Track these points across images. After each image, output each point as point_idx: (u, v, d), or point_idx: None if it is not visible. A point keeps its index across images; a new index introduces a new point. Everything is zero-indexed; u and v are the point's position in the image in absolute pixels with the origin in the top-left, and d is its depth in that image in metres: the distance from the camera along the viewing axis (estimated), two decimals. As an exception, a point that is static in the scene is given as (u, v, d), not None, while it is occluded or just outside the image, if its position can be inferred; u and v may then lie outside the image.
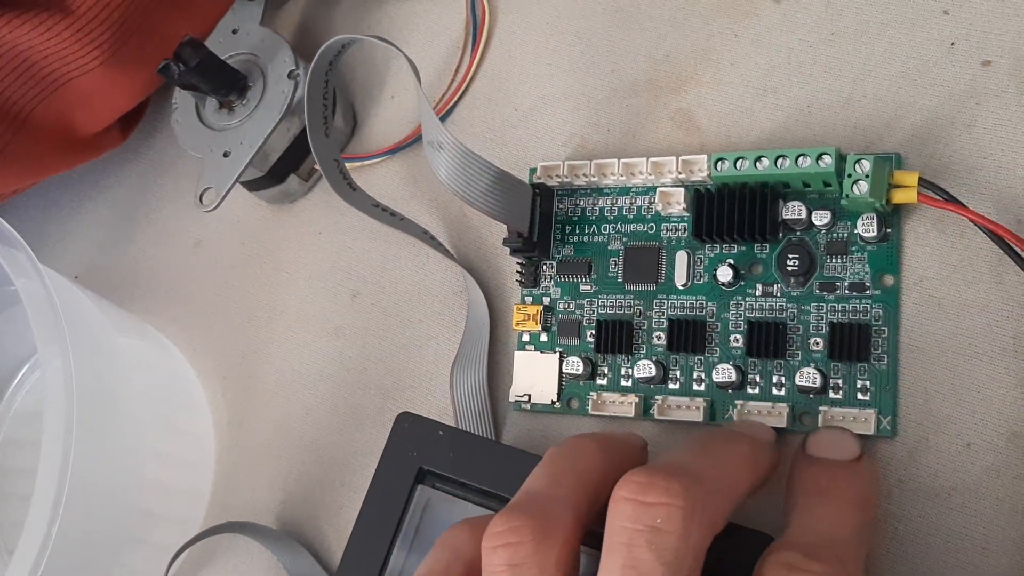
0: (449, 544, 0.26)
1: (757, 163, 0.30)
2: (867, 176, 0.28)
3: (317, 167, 0.38)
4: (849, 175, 0.28)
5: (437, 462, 0.31)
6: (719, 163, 0.30)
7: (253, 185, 0.38)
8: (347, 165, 0.35)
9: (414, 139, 0.37)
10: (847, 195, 0.28)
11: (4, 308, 0.39)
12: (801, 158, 0.29)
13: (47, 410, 0.31)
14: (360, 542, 0.31)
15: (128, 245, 0.42)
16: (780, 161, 0.29)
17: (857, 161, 0.28)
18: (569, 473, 0.26)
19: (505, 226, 0.33)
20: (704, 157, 0.31)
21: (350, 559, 0.31)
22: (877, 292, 0.29)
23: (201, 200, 0.35)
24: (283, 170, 0.37)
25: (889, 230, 0.29)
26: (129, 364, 0.36)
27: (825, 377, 0.29)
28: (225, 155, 0.36)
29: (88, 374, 0.32)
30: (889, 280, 0.29)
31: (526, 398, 0.33)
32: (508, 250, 0.34)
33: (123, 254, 0.42)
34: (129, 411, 0.35)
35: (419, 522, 0.31)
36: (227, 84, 0.36)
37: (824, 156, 0.29)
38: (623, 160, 0.32)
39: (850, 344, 0.29)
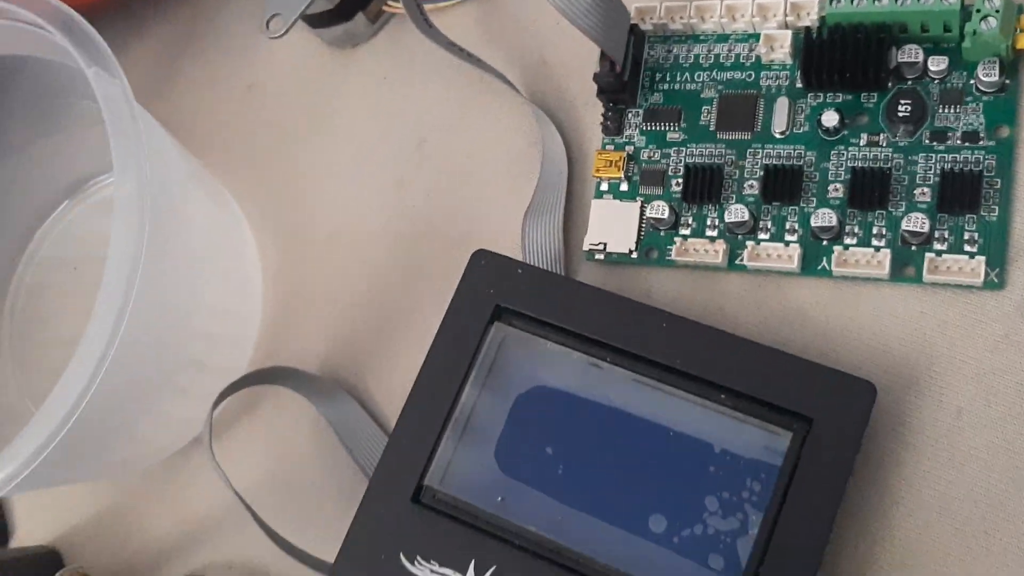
0: None
1: (875, 1, 0.28)
2: (997, 11, 0.27)
3: (387, 7, 0.36)
4: (977, 10, 0.27)
5: (514, 300, 0.29)
6: (834, 0, 0.29)
7: (317, 20, 0.36)
8: (422, 4, 0.33)
9: (493, -17, 0.36)
10: (974, 31, 0.27)
11: (54, 131, 0.37)
12: (924, -4, 0.28)
13: (115, 238, 0.28)
14: (430, 378, 0.29)
15: (175, 85, 0.40)
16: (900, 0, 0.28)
17: (987, -3, 0.27)
18: None
19: (590, 70, 0.32)
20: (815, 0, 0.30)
21: (419, 394, 0.29)
22: (991, 143, 0.28)
23: (268, 26, 0.33)
24: (352, 6, 0.35)
25: (1008, 81, 0.28)
26: (191, 203, 0.34)
27: (932, 225, 0.28)
28: (296, -19, 0.34)
29: (158, 205, 0.30)
30: (1005, 131, 0.28)
31: (601, 247, 0.31)
32: (589, 99, 0.33)
33: (170, 94, 0.40)
34: (186, 253, 0.33)
35: (493, 360, 0.29)
36: (302, -94, 0.34)
37: (949, -6, 0.28)
38: (727, 1, 0.31)
39: (960, 194, 0.28)
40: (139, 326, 0.29)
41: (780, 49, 0.30)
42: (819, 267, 0.29)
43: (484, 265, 0.30)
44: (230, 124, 0.39)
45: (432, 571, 0.27)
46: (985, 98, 0.28)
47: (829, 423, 0.26)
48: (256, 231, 0.37)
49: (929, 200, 0.28)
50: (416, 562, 0.27)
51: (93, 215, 0.39)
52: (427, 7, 0.36)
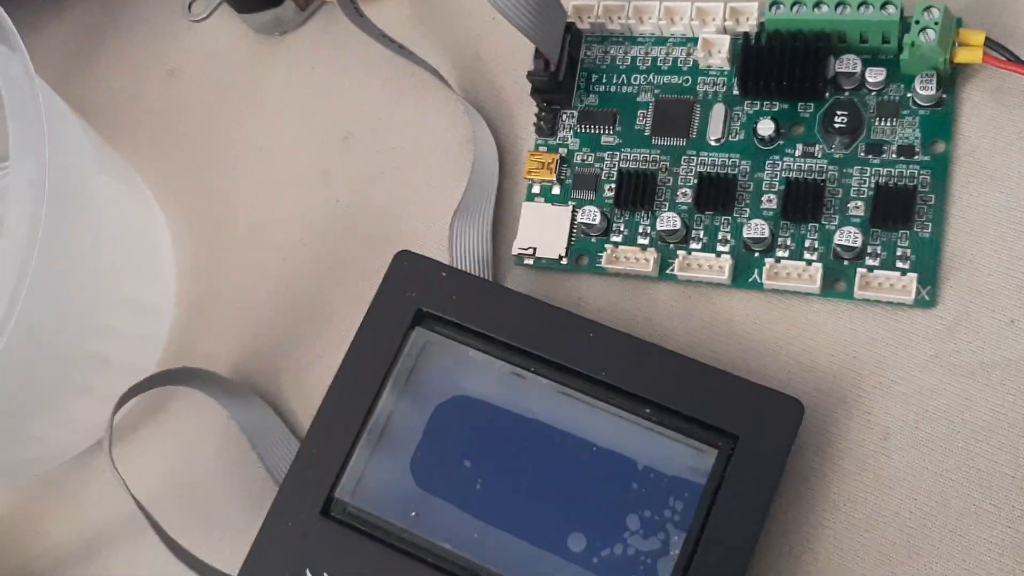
0: None
1: (816, 8, 0.28)
2: (936, 23, 0.26)
3: (318, -6, 0.35)
4: (917, 22, 0.26)
5: (438, 304, 0.28)
6: (774, 7, 0.28)
7: (244, 5, 0.34)
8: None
9: (428, -26, 0.34)
10: (912, 43, 0.26)
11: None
12: (864, 6, 0.27)
13: (8, 224, 0.27)
14: (346, 384, 0.28)
15: (93, 68, 0.38)
16: (840, 9, 0.27)
17: (926, 8, 0.26)
18: None
19: (525, 68, 0.31)
20: (754, 5, 0.29)
21: (333, 401, 0.28)
22: (927, 158, 0.27)
23: (190, 9, 0.32)
24: (280, -8, 0.34)
25: (944, 95, 0.28)
26: (99, 191, 0.32)
27: (864, 240, 0.27)
28: (220, -38, 0.32)
29: (60, 190, 0.28)
30: (940, 147, 0.27)
31: (530, 251, 0.30)
32: (522, 98, 0.32)
33: (87, 77, 0.38)
34: (91, 243, 0.31)
35: (413, 367, 0.28)
36: None
37: (888, 6, 0.27)
38: (665, 3, 0.30)
39: (894, 208, 0.27)
40: (34, 319, 0.27)
41: (718, 54, 0.29)
42: (750, 279, 0.28)
43: (407, 267, 0.29)
44: (149, 110, 0.37)
45: (340, 588, 0.26)
46: (922, 112, 0.28)
47: (755, 441, 0.25)
48: (172, 223, 0.35)
49: (863, 214, 0.27)
50: (323, 578, 0.26)
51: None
52: (358, -4, 0.34)
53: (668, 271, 0.29)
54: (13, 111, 0.27)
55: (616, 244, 0.29)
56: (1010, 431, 0.26)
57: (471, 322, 0.28)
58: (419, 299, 0.28)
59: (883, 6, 0.27)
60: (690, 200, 0.29)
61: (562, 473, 0.26)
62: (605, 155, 0.30)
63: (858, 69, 0.28)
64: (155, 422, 0.33)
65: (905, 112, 0.28)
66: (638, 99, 0.30)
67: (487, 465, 0.27)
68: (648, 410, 0.26)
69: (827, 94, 0.28)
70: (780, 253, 0.28)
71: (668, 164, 0.30)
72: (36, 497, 0.34)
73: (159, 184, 0.36)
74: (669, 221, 0.29)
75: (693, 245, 0.29)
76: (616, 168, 0.30)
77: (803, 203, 0.28)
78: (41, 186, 0.27)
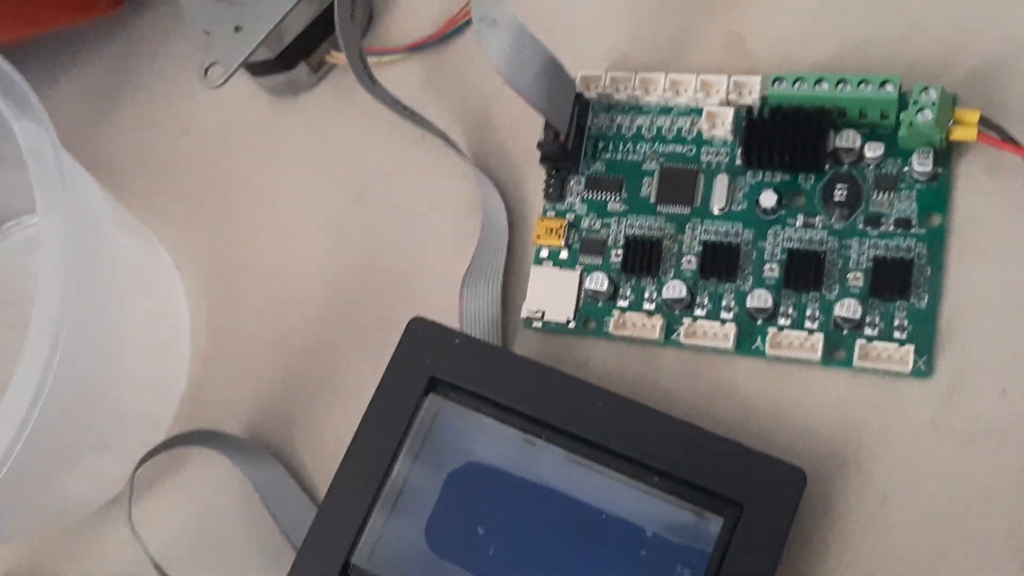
0: None
1: (816, 85, 0.29)
2: (933, 104, 0.27)
3: (330, 58, 0.36)
4: (915, 102, 0.27)
5: (451, 371, 0.29)
6: (776, 83, 0.29)
7: (258, 69, 0.35)
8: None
9: (437, 38, 0.35)
10: (910, 122, 0.27)
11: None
12: (863, 84, 0.28)
13: (41, 287, 0.28)
14: (362, 450, 0.29)
15: (107, 124, 0.39)
16: (840, 86, 0.28)
17: (924, 89, 0.27)
18: None
19: (534, 133, 0.31)
20: (757, 79, 0.30)
21: (350, 466, 0.28)
22: (923, 231, 0.28)
23: (206, 75, 0.33)
24: (294, 56, 0.35)
25: (940, 170, 0.29)
26: (117, 254, 0.33)
27: (863, 311, 0.28)
28: (236, 30, 0.33)
29: (82, 261, 0.29)
30: (936, 219, 0.28)
31: (539, 315, 0.31)
32: (531, 162, 0.32)
33: (100, 134, 0.39)
34: (111, 304, 0.32)
35: (427, 433, 0.29)
36: (244, -46, 0.33)
37: (887, 84, 0.28)
38: (671, 76, 0.31)
39: (892, 280, 0.28)
40: (65, 381, 0.28)
41: (721, 126, 0.30)
42: (753, 347, 0.29)
43: (420, 333, 0.30)
44: (164, 168, 0.38)
45: (357, 652, 0.27)
46: (918, 186, 0.29)
47: (759, 509, 0.26)
48: (187, 281, 0.36)
49: (861, 285, 0.28)
50: (341, 642, 0.27)
51: (7, 256, 0.38)
52: (371, 60, 0.35)
53: (673, 337, 0.30)
54: (39, 183, 0.28)
55: (623, 310, 0.30)
56: (1003, 495, 0.26)
57: (484, 389, 0.29)
58: (432, 366, 0.29)
59: (882, 84, 0.28)
60: (695, 267, 0.30)
61: (573, 539, 0.27)
62: (612, 221, 0.31)
63: (857, 144, 0.29)
64: (172, 481, 0.34)
65: (902, 185, 0.29)
66: (644, 167, 0.31)
67: (499, 531, 0.27)
68: (656, 478, 0.27)
69: (827, 167, 0.29)
70: (782, 322, 0.29)
71: (673, 231, 0.31)
72: (52, 552, 0.35)
73: (173, 241, 0.37)
74: (675, 289, 0.29)
75: (698, 312, 0.30)
76: (623, 234, 0.31)
77: (805, 273, 0.29)
78: (68, 259, 0.28)
